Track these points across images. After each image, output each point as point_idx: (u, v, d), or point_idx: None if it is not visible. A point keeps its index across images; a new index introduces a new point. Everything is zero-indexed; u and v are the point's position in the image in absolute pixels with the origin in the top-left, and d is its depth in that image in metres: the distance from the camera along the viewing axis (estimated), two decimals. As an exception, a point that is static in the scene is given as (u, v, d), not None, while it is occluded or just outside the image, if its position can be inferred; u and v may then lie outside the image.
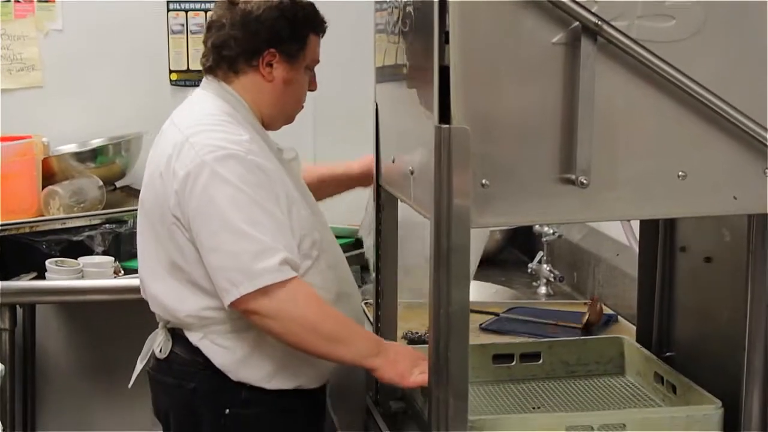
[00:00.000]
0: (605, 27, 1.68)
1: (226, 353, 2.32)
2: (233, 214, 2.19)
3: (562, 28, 1.70)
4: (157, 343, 2.42)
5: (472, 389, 2.25)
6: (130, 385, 2.54)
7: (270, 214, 2.22)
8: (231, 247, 2.18)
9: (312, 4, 2.40)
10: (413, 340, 2.70)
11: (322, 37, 2.43)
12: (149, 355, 2.47)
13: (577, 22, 1.69)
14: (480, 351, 2.33)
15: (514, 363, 2.34)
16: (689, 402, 2.05)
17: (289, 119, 2.47)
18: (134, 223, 3.74)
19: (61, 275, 3.39)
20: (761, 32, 1.77)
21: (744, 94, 1.77)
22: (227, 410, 2.33)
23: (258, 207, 2.21)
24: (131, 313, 3.74)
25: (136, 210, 3.64)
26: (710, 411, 1.97)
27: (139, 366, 2.50)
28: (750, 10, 1.77)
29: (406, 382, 2.13)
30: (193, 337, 2.34)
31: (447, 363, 1.75)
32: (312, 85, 2.45)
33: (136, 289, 3.14)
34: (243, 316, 2.23)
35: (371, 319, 2.40)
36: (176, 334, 2.38)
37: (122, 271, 3.50)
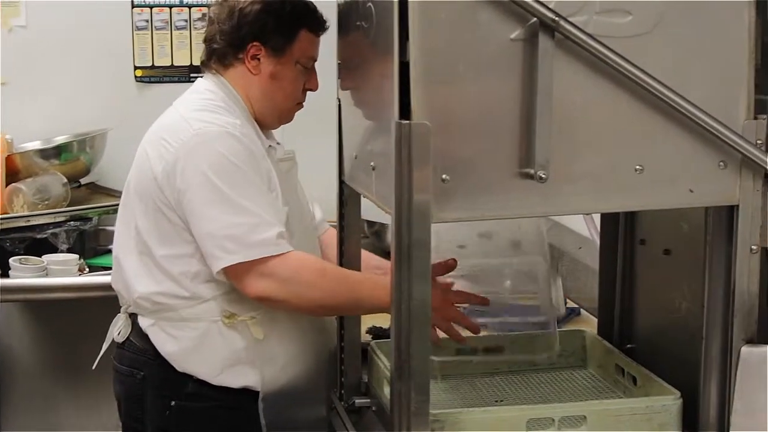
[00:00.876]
0: (563, 23, 1.70)
1: (174, 342, 2.35)
2: (230, 187, 2.23)
3: (520, 25, 1.72)
4: (117, 328, 2.44)
5: (436, 383, 2.27)
6: (93, 366, 2.60)
7: (263, 191, 2.28)
8: (228, 218, 2.22)
9: (307, 3, 2.43)
10: (378, 335, 2.71)
11: (321, 35, 2.45)
12: (111, 339, 2.49)
13: (535, 19, 1.70)
14: (444, 345, 2.35)
15: (477, 356, 2.35)
16: (649, 393, 2.07)
17: (284, 116, 2.50)
18: (99, 220, 3.76)
19: (25, 273, 3.39)
20: (717, 28, 1.79)
21: (700, 88, 1.79)
22: (173, 402, 2.36)
23: (252, 184, 2.27)
24: (96, 311, 3.72)
25: (101, 207, 3.67)
26: (669, 402, 1.99)
27: (103, 349, 2.53)
28: (706, 6, 1.79)
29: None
30: (144, 323, 2.38)
31: (409, 358, 1.76)
32: (310, 84, 2.47)
33: (101, 287, 3.14)
34: (237, 287, 2.26)
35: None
36: (134, 322, 2.41)
37: (87, 269, 3.50)
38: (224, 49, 2.42)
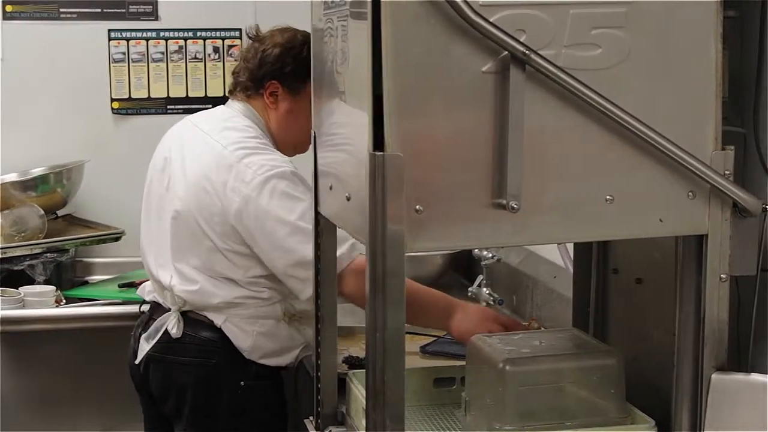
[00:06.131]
0: (533, 56, 1.72)
1: (246, 337, 2.78)
2: (299, 219, 2.62)
3: (491, 57, 1.74)
4: (171, 325, 2.78)
5: (414, 412, 2.28)
6: (137, 361, 2.88)
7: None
8: (305, 246, 2.52)
9: None
10: (354, 364, 2.72)
11: None
12: (158, 335, 2.81)
13: (506, 52, 1.73)
14: (421, 375, 2.36)
15: (455, 386, 2.36)
16: (624, 422, 2.09)
17: (298, 148, 2.88)
18: (76, 252, 3.75)
19: (1, 305, 3.38)
20: (684, 61, 1.83)
21: (669, 120, 1.82)
22: (242, 382, 2.79)
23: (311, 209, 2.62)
24: (73, 343, 3.72)
25: (78, 239, 3.70)
26: (644, 430, 2.01)
27: (146, 346, 2.83)
28: (673, 40, 1.82)
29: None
30: (218, 320, 2.77)
31: (384, 386, 1.78)
32: None
33: (77, 318, 3.17)
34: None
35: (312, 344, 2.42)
36: (188, 317, 2.79)
37: (64, 300, 3.49)
38: (246, 83, 2.84)
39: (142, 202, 2.97)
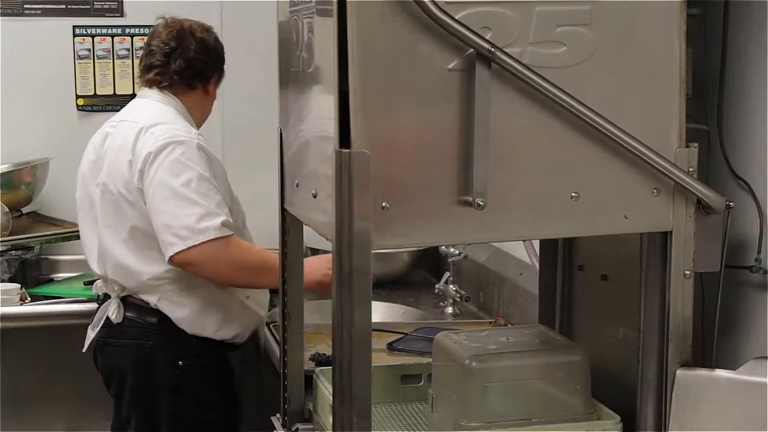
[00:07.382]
0: (498, 54, 1.73)
1: (182, 309, 2.85)
2: (183, 185, 2.72)
3: (457, 55, 1.75)
4: (112, 311, 2.87)
5: (381, 409, 2.28)
6: (84, 350, 2.99)
7: (214, 188, 2.77)
8: (180, 210, 2.71)
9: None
10: (321, 361, 2.72)
11: None
12: (101, 322, 2.91)
13: (472, 49, 1.73)
14: (389, 371, 2.36)
15: (421, 383, 2.37)
16: (590, 418, 2.10)
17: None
18: (41, 249, 3.73)
19: (-35, 303, 3.35)
20: (649, 59, 1.84)
21: (633, 117, 1.83)
22: (180, 362, 2.85)
23: (204, 180, 2.75)
24: (38, 341, 3.70)
25: (43, 236, 3.71)
26: (610, 426, 2.02)
27: (92, 334, 2.95)
28: (638, 37, 1.83)
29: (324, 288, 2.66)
30: (152, 299, 2.84)
31: (350, 383, 1.78)
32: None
33: (43, 316, 3.16)
34: (182, 267, 2.73)
35: (278, 341, 2.42)
36: (128, 302, 2.88)
37: (28, 298, 3.47)
38: (191, 75, 2.96)
39: (77, 211, 3.03)
